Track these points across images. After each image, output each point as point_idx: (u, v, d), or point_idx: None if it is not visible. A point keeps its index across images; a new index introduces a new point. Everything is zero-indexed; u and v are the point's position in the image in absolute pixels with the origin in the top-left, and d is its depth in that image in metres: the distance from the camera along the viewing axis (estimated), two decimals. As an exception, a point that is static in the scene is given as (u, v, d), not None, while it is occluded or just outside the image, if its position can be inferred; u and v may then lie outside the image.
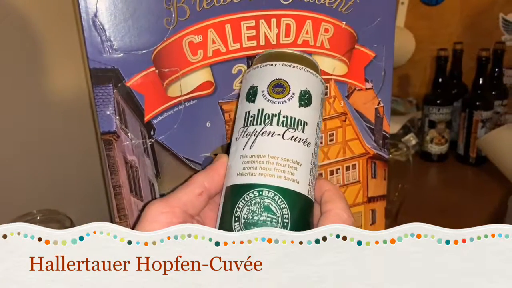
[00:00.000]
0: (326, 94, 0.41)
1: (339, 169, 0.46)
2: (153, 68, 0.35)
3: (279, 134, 0.29)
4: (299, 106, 0.30)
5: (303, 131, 0.30)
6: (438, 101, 1.02)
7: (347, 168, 0.46)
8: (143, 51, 0.35)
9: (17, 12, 0.62)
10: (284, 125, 0.30)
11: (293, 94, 0.31)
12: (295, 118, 0.30)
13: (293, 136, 0.30)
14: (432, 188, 1.00)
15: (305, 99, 0.31)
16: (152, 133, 0.37)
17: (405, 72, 1.29)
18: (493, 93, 1.02)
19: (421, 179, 1.02)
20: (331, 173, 0.46)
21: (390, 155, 0.69)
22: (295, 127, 0.30)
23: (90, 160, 0.73)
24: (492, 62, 1.01)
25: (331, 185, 0.32)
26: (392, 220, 0.70)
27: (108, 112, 0.35)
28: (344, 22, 0.41)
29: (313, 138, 0.31)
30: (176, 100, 0.37)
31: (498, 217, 0.91)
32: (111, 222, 0.64)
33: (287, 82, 0.31)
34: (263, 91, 0.31)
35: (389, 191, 0.69)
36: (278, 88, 0.31)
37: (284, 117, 0.30)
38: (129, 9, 0.33)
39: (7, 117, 0.64)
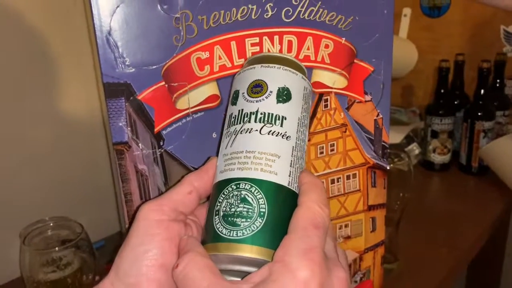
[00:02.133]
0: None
1: (340, 178, 0.48)
2: (163, 83, 0.37)
3: (256, 130, 0.31)
4: (277, 103, 0.32)
5: (281, 125, 0.31)
6: (440, 112, 1.04)
7: (348, 177, 0.48)
8: (154, 67, 0.37)
9: (35, 31, 0.65)
10: (261, 121, 0.31)
11: (271, 92, 0.32)
12: (272, 114, 0.31)
13: (270, 131, 0.31)
14: (435, 197, 1.01)
15: (283, 95, 0.32)
16: (161, 143, 0.39)
17: (408, 83, 1.31)
18: (495, 103, 1.04)
19: (424, 188, 1.03)
20: (332, 182, 0.47)
21: (392, 165, 0.71)
22: (273, 122, 0.31)
23: (99, 170, 0.76)
24: (493, 73, 1.03)
25: (310, 177, 0.32)
26: (394, 228, 0.71)
27: (120, 124, 0.37)
28: (344, 38, 0.43)
29: (293, 132, 0.32)
30: (184, 112, 0.39)
31: (500, 226, 0.92)
32: (122, 227, 0.66)
33: (265, 82, 0.32)
34: (243, 93, 0.33)
35: (390, 200, 0.71)
36: (257, 88, 0.32)
37: (261, 114, 0.31)
38: (141, 28, 0.36)
39: (21, 128, 0.67)
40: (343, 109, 0.45)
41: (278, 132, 0.31)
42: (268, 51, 0.40)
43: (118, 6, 0.35)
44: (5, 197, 0.69)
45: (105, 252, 0.72)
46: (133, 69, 0.36)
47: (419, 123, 1.18)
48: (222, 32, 0.38)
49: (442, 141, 1.05)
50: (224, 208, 0.29)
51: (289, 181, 0.31)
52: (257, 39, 0.40)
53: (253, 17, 0.39)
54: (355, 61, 0.44)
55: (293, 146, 0.31)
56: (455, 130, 1.07)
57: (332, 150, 0.46)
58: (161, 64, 0.37)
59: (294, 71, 0.33)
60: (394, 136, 1.15)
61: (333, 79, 0.44)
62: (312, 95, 0.36)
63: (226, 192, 0.30)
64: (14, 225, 0.67)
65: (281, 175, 0.30)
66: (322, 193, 0.30)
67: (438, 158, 1.06)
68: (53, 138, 0.71)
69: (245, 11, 0.38)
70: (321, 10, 0.41)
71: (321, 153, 0.46)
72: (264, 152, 0.30)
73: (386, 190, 0.51)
